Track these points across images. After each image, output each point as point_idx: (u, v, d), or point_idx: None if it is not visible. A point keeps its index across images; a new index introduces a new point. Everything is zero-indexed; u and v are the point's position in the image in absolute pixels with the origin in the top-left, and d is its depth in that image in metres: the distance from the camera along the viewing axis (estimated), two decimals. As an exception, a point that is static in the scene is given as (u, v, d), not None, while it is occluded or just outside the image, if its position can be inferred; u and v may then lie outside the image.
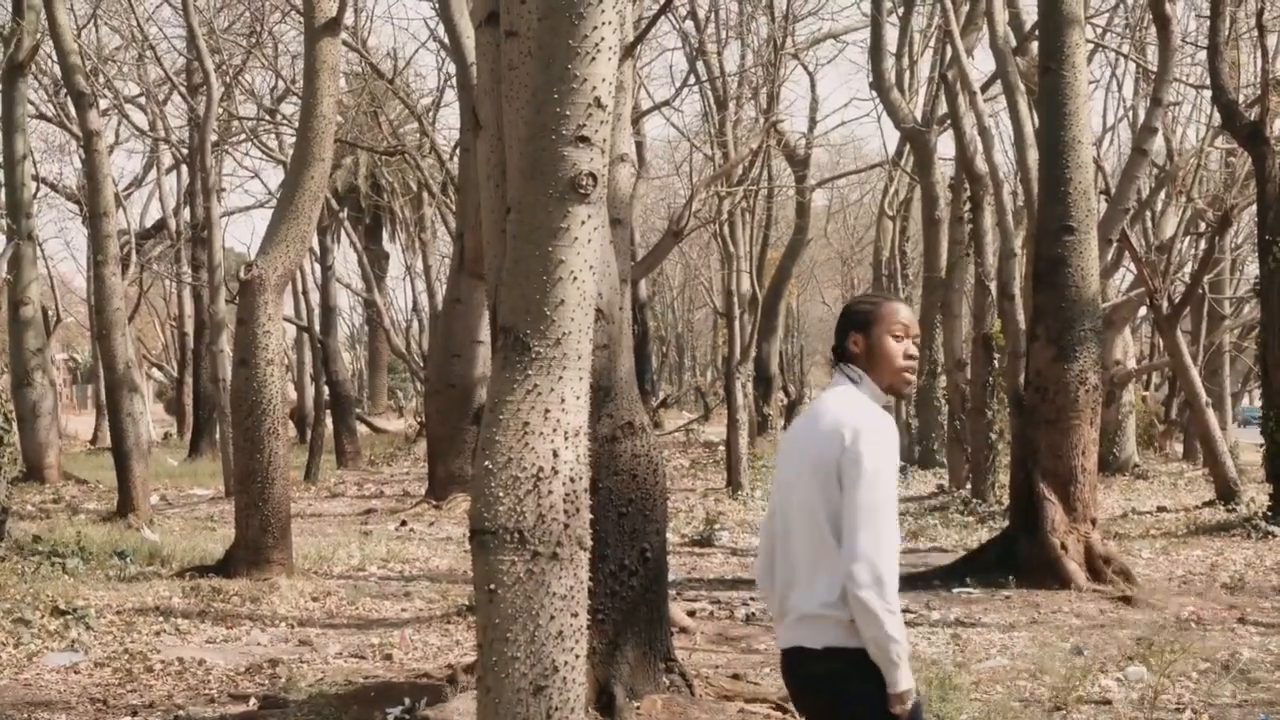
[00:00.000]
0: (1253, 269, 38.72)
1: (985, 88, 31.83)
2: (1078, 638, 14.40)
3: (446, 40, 23.53)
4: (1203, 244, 35.53)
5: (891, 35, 38.61)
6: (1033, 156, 22.33)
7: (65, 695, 12.58)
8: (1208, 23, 26.58)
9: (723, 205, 33.30)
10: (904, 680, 5.24)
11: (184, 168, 46.14)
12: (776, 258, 50.11)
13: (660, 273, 64.17)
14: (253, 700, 12.24)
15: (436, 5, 27.76)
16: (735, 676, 12.33)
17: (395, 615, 16.68)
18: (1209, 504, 26.99)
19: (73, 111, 33.87)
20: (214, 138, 35.38)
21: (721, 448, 37.54)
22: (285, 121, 39.83)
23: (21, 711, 11.89)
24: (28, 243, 34.20)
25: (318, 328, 44.06)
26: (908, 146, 41.01)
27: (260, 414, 18.69)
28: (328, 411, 41.25)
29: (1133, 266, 30.99)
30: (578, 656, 6.04)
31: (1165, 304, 28.07)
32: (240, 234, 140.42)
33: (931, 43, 39.06)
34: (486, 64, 9.72)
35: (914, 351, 5.64)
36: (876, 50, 35.98)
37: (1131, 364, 39.99)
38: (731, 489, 31.55)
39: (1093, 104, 20.59)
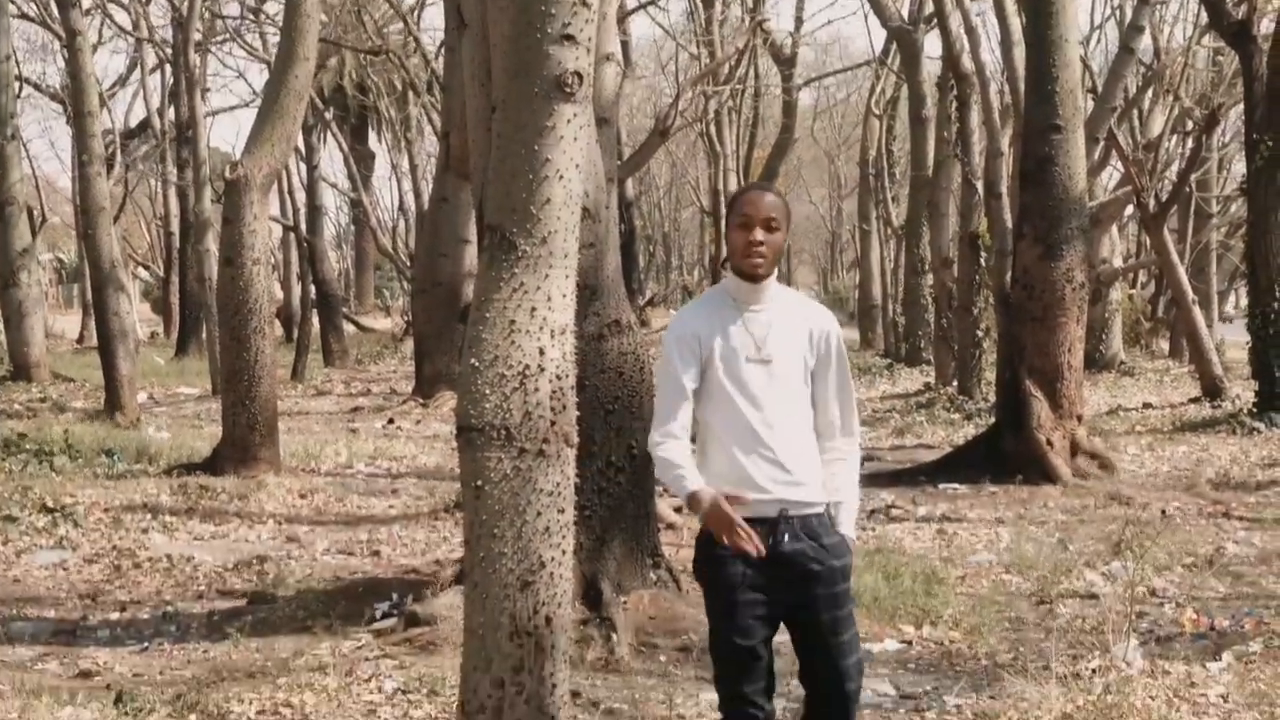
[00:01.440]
0: (1239, 167, 38.72)
1: (973, -16, 31.62)
2: (1063, 533, 14.48)
3: (431, -64, 23.33)
4: (1190, 142, 35.47)
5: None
6: (1019, 55, 22.28)
7: (54, 591, 12.65)
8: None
9: (709, 104, 33.24)
10: (682, 490, 5.86)
11: (168, 67, 45.82)
12: (763, 157, 49.92)
13: (647, 172, 63.94)
14: (241, 596, 12.31)
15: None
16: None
17: (383, 512, 16.74)
18: (1195, 401, 27.07)
19: (55, 10, 33.65)
20: (197, 37, 35.18)
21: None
22: (269, 20, 39.54)
23: (10, 607, 11.95)
24: (12, 143, 33.98)
25: (304, 227, 43.92)
26: (894, 45, 40.80)
27: (246, 313, 18.67)
28: (314, 311, 41.20)
29: (1120, 165, 30.90)
30: (564, 552, 6.06)
31: (1152, 202, 28.04)
32: (225, 134, 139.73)
33: (919, -61, 38.77)
34: (471, -40, 9.65)
35: (759, 237, 5.95)
36: (864, -54, 35.75)
37: (1118, 262, 40.00)
38: (717, 387, 31.51)
39: (1080, 2, 20.49)
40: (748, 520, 5.77)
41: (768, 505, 5.89)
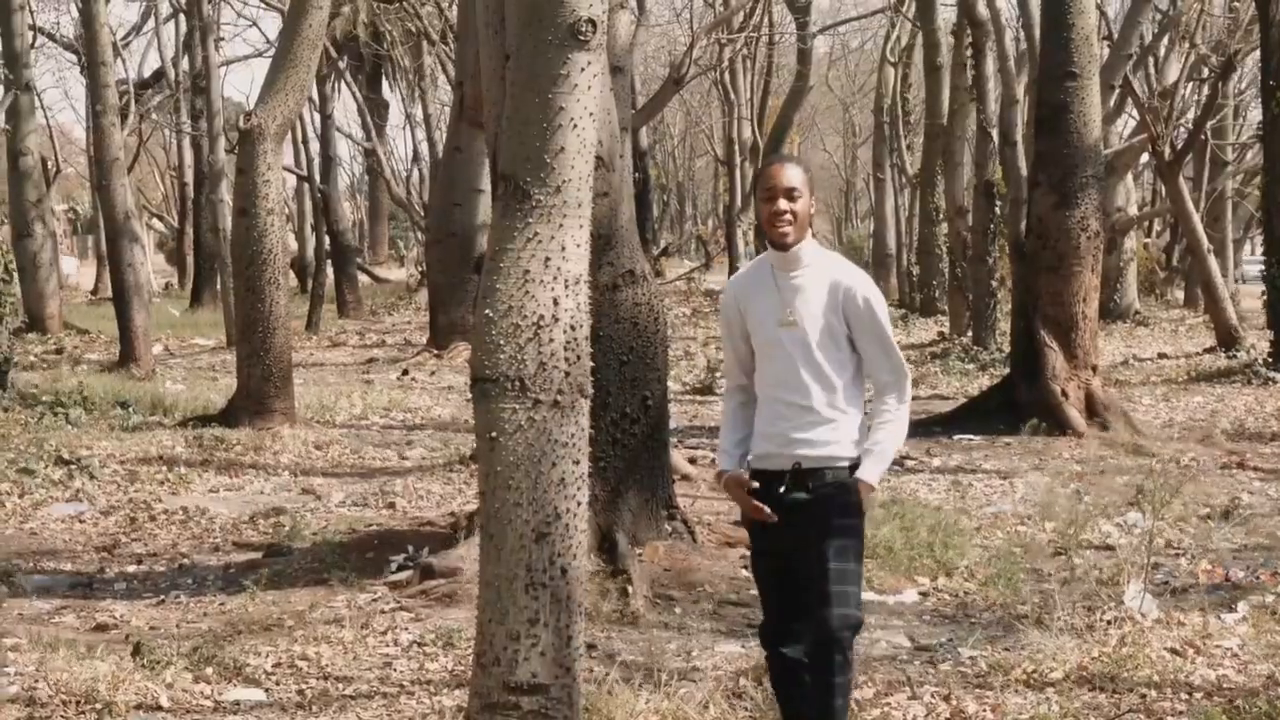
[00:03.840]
0: (1255, 114, 38.42)
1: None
2: (1078, 483, 14.45)
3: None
4: (1205, 90, 35.31)
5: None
6: (1034, 1, 22.14)
7: (71, 544, 12.67)
8: None
9: (724, 52, 33.15)
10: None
11: (182, 16, 45.65)
12: (778, 105, 49.69)
13: (661, 121, 63.75)
14: (257, 549, 12.33)
15: None
16: (737, 523, 12.37)
17: (398, 464, 16.75)
18: (1210, 350, 27.02)
19: (68, -40, 33.57)
20: (211, -15, 35.06)
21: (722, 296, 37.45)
22: (282, -32, 39.41)
23: (28, 560, 11.98)
24: (25, 93, 34.00)
25: (318, 177, 43.79)
26: (910, -8, 40.61)
27: (261, 263, 18.65)
28: (329, 261, 41.13)
29: (1135, 112, 30.80)
30: (580, 504, 6.05)
31: (1167, 150, 27.94)
32: (239, 83, 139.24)
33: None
34: (484, -92, 9.59)
35: (783, 207, 6.34)
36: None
37: (1133, 210, 39.87)
38: (732, 337, 31.49)
39: (1096, -53, 20.38)
40: (765, 472, 6.39)
41: (783, 459, 6.36)
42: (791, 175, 6.35)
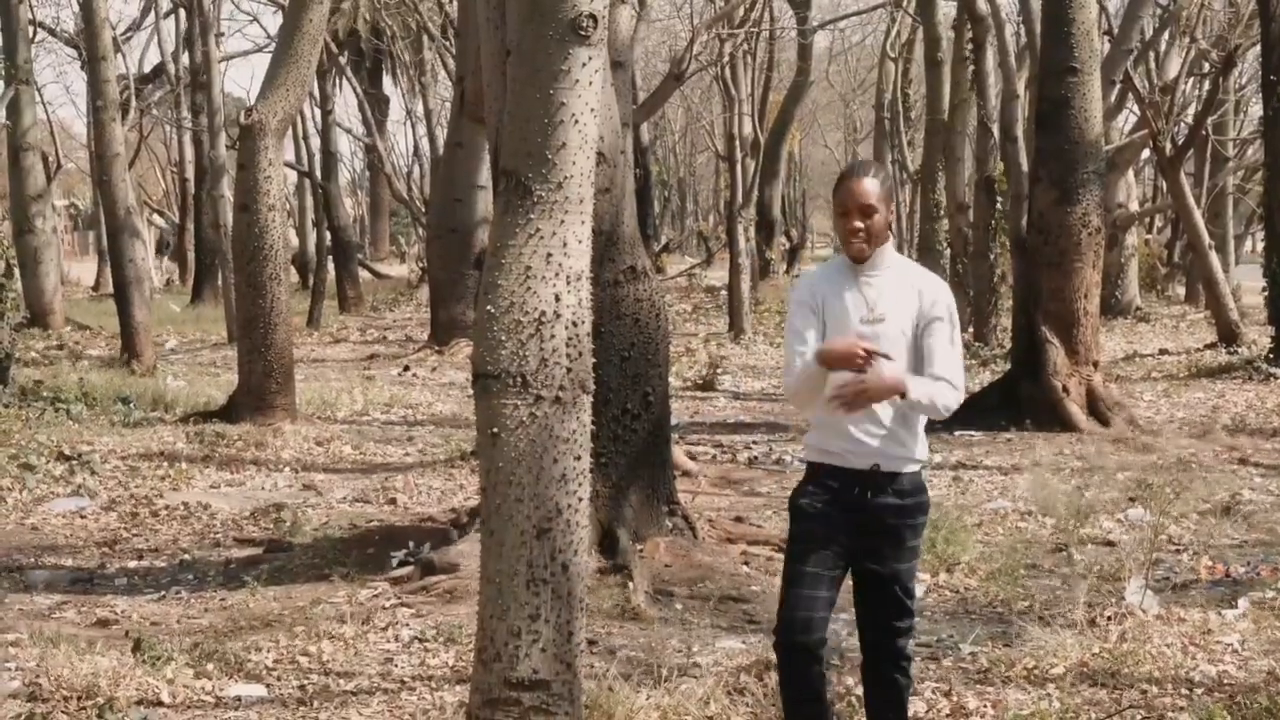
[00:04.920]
0: (1257, 110, 38.44)
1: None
2: (1079, 479, 14.45)
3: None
4: (1206, 85, 35.29)
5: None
6: (1036, -4, 22.12)
7: (72, 540, 12.68)
8: None
9: (724, 48, 33.06)
10: (808, 365, 6.15)
11: (182, 11, 45.64)
12: (778, 101, 49.72)
13: (662, 116, 63.69)
14: (258, 544, 12.33)
15: None
16: (738, 519, 12.41)
17: (399, 460, 16.75)
18: (1211, 346, 27.01)
19: (68, -46, 33.55)
20: (211, -20, 35.05)
21: (723, 292, 37.42)
22: (283, -36, 39.40)
23: (28, 555, 11.99)
24: (26, 88, 34.00)
25: (318, 173, 43.82)
26: (911, -13, 40.59)
27: (262, 259, 18.66)
28: (329, 257, 41.14)
29: (1136, 108, 30.77)
30: (581, 500, 6.05)
31: (1168, 146, 27.93)
32: (240, 79, 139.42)
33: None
34: (485, -96, 9.58)
35: (858, 224, 6.20)
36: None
37: (1134, 206, 39.83)
38: (734, 333, 31.56)
39: (1097, -57, 20.36)
40: (840, 470, 6.25)
41: (862, 458, 6.23)
42: (868, 191, 6.20)
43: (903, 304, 6.24)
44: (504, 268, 5.92)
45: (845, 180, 6.32)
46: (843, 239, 6.30)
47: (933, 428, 18.70)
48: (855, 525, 6.23)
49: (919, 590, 10.30)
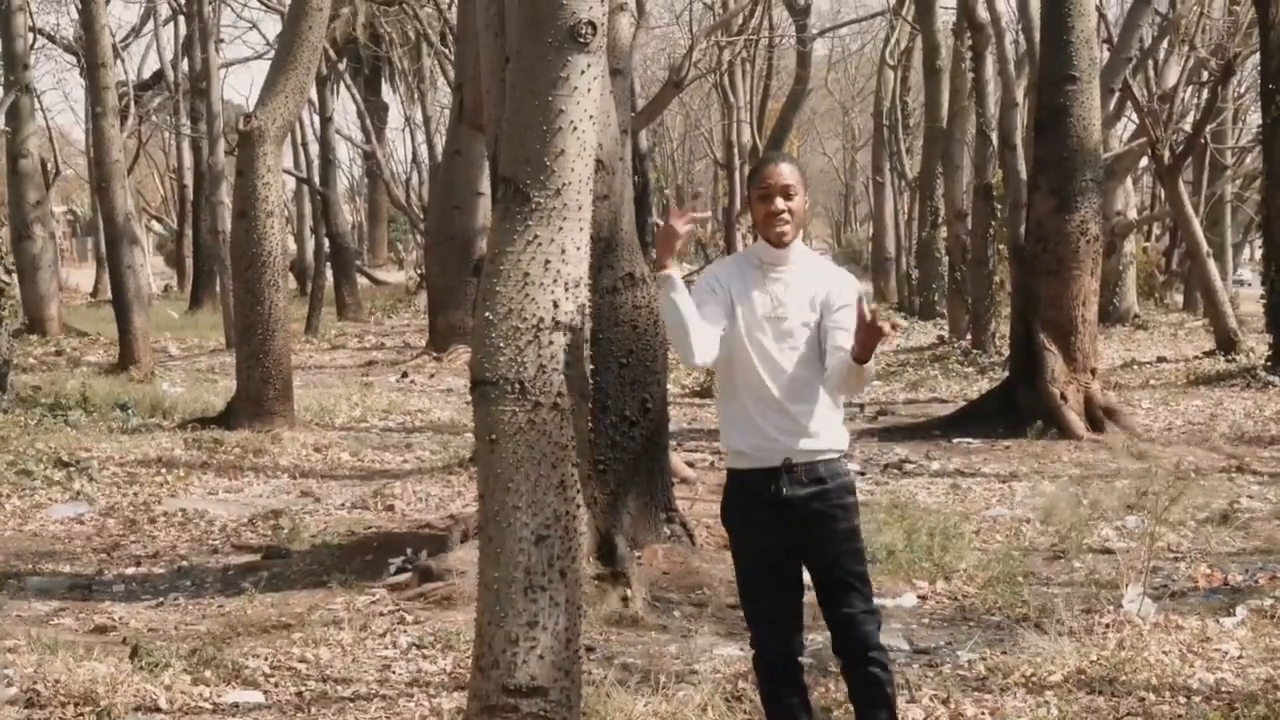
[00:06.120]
0: (1255, 118, 38.46)
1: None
2: (1077, 487, 14.45)
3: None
4: (1205, 93, 35.29)
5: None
6: (1034, 4, 22.18)
7: (70, 546, 12.68)
8: None
9: (723, 55, 33.18)
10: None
11: (181, 18, 45.68)
12: (777, 108, 49.68)
13: (661, 124, 63.67)
14: (256, 551, 12.32)
15: None
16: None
17: (397, 466, 16.75)
18: (1209, 354, 27.00)
19: (67, -39, 33.59)
20: (211, -12, 35.07)
21: (722, 299, 37.33)
22: (282, -29, 39.41)
23: (26, 562, 11.99)
24: (25, 95, 34.03)
25: (317, 180, 43.86)
26: (909, -5, 40.61)
27: (260, 266, 18.67)
28: (328, 264, 41.18)
29: (1134, 116, 30.76)
30: (579, 506, 6.05)
31: (1167, 154, 27.92)
32: (239, 85, 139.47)
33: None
34: (484, -89, 9.59)
35: (780, 206, 6.34)
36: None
37: (1133, 214, 39.86)
38: (732, 339, 31.47)
39: (1096, -49, 20.38)
40: (754, 470, 6.33)
41: (773, 454, 6.29)
42: (787, 173, 6.35)
43: (806, 296, 6.31)
44: (502, 274, 5.92)
45: (763, 165, 6.49)
46: (763, 224, 6.38)
47: (930, 435, 18.72)
48: (783, 522, 6.30)
49: (912, 599, 10.34)
